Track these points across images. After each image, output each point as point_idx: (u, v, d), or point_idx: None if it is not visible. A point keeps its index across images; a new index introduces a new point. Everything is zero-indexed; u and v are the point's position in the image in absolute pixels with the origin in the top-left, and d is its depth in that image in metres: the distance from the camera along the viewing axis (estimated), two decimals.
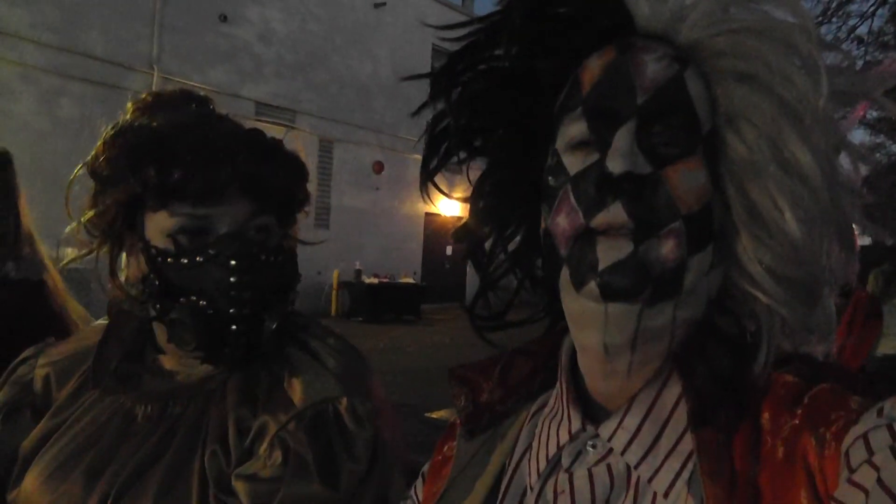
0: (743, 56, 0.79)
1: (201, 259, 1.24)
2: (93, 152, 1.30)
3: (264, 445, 1.22)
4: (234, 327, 1.25)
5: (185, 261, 1.24)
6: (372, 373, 1.42)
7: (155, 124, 1.28)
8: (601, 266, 0.77)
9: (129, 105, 1.37)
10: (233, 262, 1.24)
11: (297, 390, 1.28)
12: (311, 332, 1.42)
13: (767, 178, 0.77)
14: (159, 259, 1.26)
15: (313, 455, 1.20)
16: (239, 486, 1.18)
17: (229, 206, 1.26)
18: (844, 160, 0.82)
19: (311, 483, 1.18)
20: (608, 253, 0.77)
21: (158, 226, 1.26)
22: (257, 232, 1.31)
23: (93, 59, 15.43)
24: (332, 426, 1.26)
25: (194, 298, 1.25)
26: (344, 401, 1.28)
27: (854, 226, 0.82)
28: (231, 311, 1.25)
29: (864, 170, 0.84)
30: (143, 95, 1.39)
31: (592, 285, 0.77)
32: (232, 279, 1.24)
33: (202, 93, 1.49)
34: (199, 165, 1.22)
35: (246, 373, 1.33)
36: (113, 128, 1.29)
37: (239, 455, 1.23)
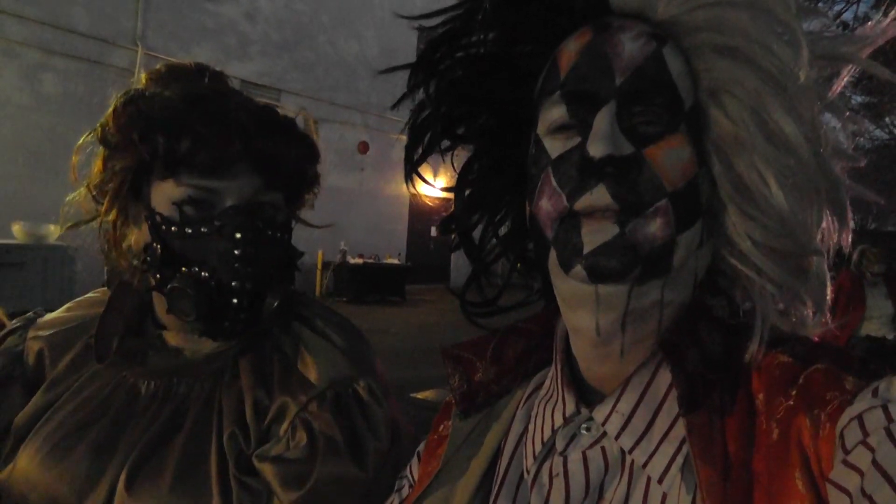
0: (722, 29, 0.78)
1: (206, 230, 1.24)
2: (102, 119, 1.28)
3: (285, 426, 1.23)
4: (234, 301, 1.25)
5: (190, 231, 1.24)
6: (374, 352, 1.43)
7: (168, 94, 1.27)
8: (586, 249, 0.77)
9: (144, 75, 1.36)
10: (238, 235, 1.23)
11: (312, 370, 1.29)
12: (313, 310, 1.41)
13: (753, 151, 0.76)
14: (163, 227, 1.25)
15: (342, 435, 1.21)
16: (266, 469, 1.18)
17: (238, 180, 1.26)
18: (835, 126, 0.82)
19: (343, 462, 1.20)
20: (593, 236, 0.77)
21: (165, 194, 1.25)
22: (265, 208, 1.30)
23: (76, 35, 15.22)
24: (353, 406, 1.27)
25: (196, 269, 1.24)
26: (361, 381, 1.29)
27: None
28: (233, 283, 1.24)
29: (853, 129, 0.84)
30: (158, 66, 1.38)
31: (579, 268, 0.77)
32: (236, 252, 1.23)
33: None
34: (209, 137, 1.22)
35: (257, 352, 1.32)
36: (124, 95, 1.28)
37: (258, 436, 1.23)
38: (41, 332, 1.39)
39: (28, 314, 1.46)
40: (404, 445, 1.29)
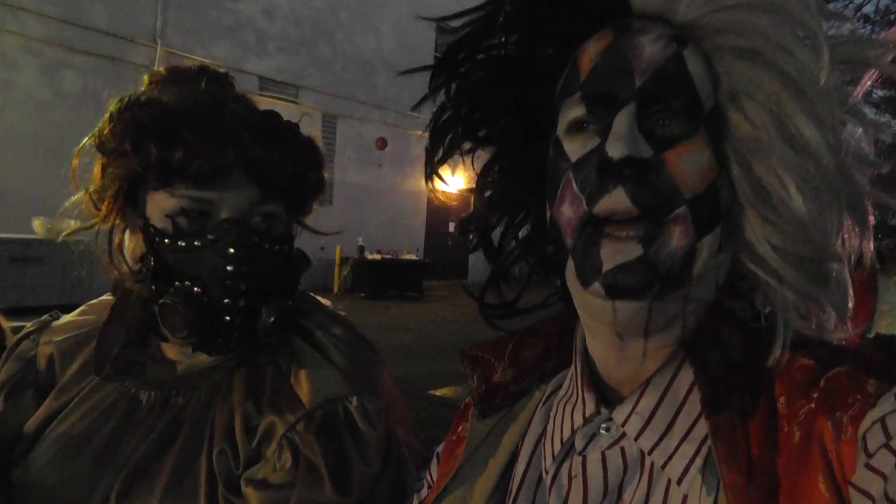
0: (742, 32, 0.78)
1: (199, 244, 1.20)
2: (99, 124, 1.25)
3: (272, 447, 1.19)
4: (227, 318, 1.21)
5: (183, 244, 1.20)
6: (381, 363, 1.39)
7: (165, 100, 1.24)
8: (605, 268, 0.77)
9: (145, 78, 1.32)
10: (231, 251, 1.19)
11: (304, 388, 1.25)
12: (315, 319, 1.37)
13: (772, 155, 0.75)
14: (157, 239, 1.22)
15: (324, 460, 1.17)
16: (249, 493, 1.15)
17: (233, 191, 1.22)
18: (856, 131, 0.81)
19: (322, 490, 1.16)
20: (613, 256, 0.76)
21: (159, 205, 1.22)
22: (262, 219, 1.26)
23: (96, 32, 15.34)
24: (342, 427, 1.23)
25: (188, 284, 1.21)
26: (354, 400, 1.25)
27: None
28: (225, 300, 1.20)
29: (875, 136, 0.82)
30: (161, 69, 1.34)
31: (597, 285, 0.77)
32: (228, 268, 1.19)
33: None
34: (201, 146, 1.17)
35: (251, 366, 1.30)
36: (120, 101, 1.25)
37: (247, 455, 1.20)
38: (53, 338, 1.37)
39: (44, 317, 1.44)
40: (405, 464, 1.26)
